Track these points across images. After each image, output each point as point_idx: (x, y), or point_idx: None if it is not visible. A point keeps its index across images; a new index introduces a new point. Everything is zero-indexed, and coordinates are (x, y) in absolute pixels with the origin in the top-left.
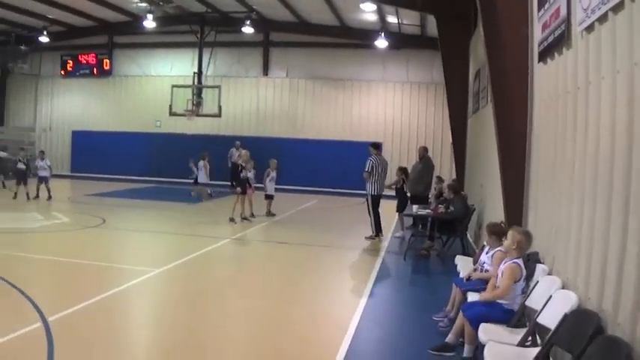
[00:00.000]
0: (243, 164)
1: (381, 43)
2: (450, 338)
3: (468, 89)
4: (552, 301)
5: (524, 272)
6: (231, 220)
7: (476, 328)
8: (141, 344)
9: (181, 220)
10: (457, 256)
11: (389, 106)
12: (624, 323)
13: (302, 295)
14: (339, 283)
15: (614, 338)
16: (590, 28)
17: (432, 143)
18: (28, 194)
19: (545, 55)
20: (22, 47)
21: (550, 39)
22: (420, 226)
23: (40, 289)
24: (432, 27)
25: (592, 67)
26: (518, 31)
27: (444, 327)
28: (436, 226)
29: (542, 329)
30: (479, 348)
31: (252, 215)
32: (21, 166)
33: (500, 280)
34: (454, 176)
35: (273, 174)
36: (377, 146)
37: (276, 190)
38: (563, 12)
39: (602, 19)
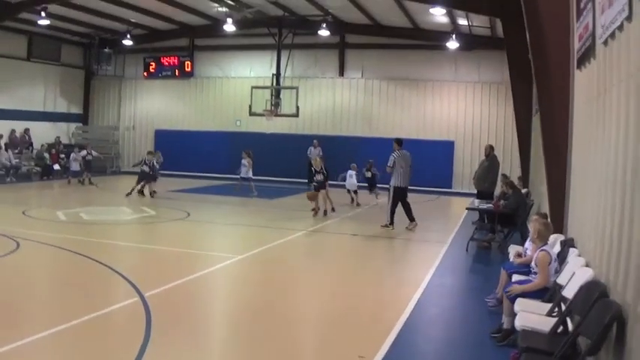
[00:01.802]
0: (317, 169)
1: (453, 44)
2: (506, 322)
3: (532, 90)
4: (574, 277)
5: (554, 255)
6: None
7: (513, 302)
8: (225, 316)
9: (260, 214)
10: (511, 246)
11: (460, 106)
12: (621, 289)
13: (369, 278)
14: (404, 269)
15: (609, 301)
16: (605, 42)
17: (503, 141)
18: (152, 192)
19: (580, 62)
20: (106, 50)
21: (583, 49)
22: (485, 219)
23: (135, 271)
24: (501, 27)
25: (609, 74)
26: (561, 39)
27: (491, 306)
28: (496, 219)
29: (565, 301)
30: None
31: (333, 210)
32: (145, 168)
33: (538, 272)
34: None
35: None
36: (400, 142)
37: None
38: (590, 26)
39: (612, 35)
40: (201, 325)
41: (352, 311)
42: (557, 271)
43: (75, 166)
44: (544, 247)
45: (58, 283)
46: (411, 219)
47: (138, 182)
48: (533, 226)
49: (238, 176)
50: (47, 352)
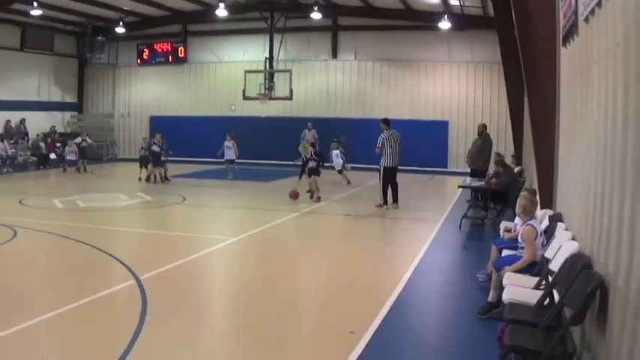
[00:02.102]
0: (307, 156)
1: (445, 24)
2: (491, 295)
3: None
4: (560, 250)
5: (539, 229)
6: (311, 197)
7: (502, 276)
8: (221, 296)
9: (255, 196)
10: (502, 222)
11: (454, 86)
12: (603, 261)
13: (363, 257)
14: (398, 247)
15: (592, 272)
16: (586, 19)
17: (497, 120)
18: (163, 176)
19: (565, 39)
20: (99, 38)
21: (567, 26)
22: (479, 197)
23: (131, 255)
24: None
25: (590, 51)
26: (546, 17)
27: (482, 281)
28: (489, 197)
29: (552, 274)
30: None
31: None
32: (155, 148)
33: (525, 247)
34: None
35: (336, 151)
36: (387, 122)
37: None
38: (573, 4)
39: (592, 12)
40: (197, 306)
41: (346, 289)
42: (544, 245)
43: (71, 155)
44: (529, 222)
45: (54, 268)
46: (395, 200)
47: (154, 166)
48: (518, 201)
49: (222, 160)
50: (45, 335)
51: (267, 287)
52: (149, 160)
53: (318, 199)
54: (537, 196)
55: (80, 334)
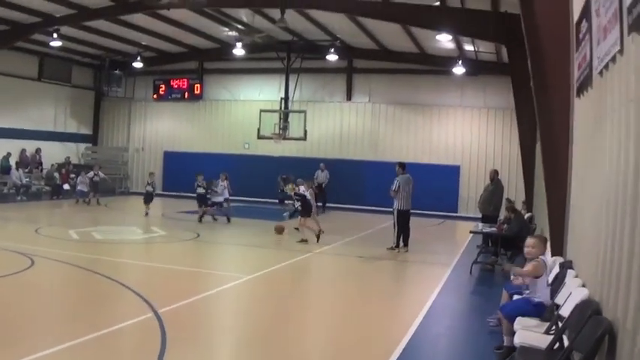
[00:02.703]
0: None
1: (459, 69)
2: (506, 340)
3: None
4: (571, 297)
5: (547, 267)
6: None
7: (512, 322)
8: (235, 332)
9: (268, 235)
10: (513, 267)
11: (466, 131)
12: (612, 306)
13: (375, 299)
14: (408, 291)
15: (601, 317)
16: (601, 73)
17: (508, 166)
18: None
19: (579, 90)
20: (117, 72)
21: (581, 78)
22: (489, 243)
23: (148, 288)
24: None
25: (604, 103)
26: (562, 67)
27: (492, 326)
28: (499, 242)
29: (562, 319)
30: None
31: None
32: (200, 190)
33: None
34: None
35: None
36: (403, 166)
37: (359, 210)
38: (588, 57)
39: (606, 67)
40: (214, 341)
41: (358, 331)
42: (549, 285)
43: (82, 186)
44: (539, 257)
45: (72, 299)
46: (405, 243)
47: (199, 206)
48: (530, 241)
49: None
50: None
51: (280, 327)
52: (204, 200)
53: (318, 236)
54: (548, 243)
55: None
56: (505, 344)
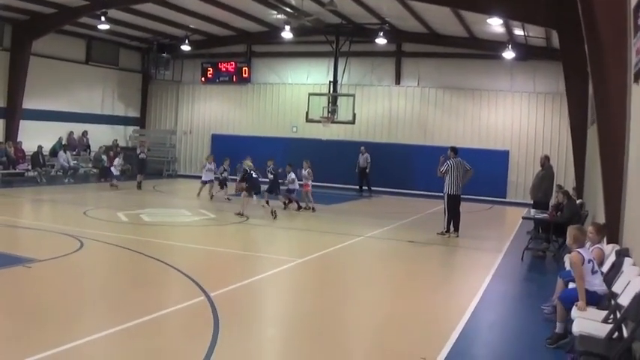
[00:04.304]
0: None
1: (509, 54)
2: (558, 327)
3: (588, 101)
4: (630, 285)
5: (586, 256)
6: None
7: (568, 309)
8: (288, 316)
9: (317, 219)
10: (566, 255)
11: (516, 116)
12: None
13: (427, 284)
14: (460, 277)
15: None
16: None
17: (557, 152)
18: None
19: (637, 76)
20: (164, 55)
21: (639, 64)
22: (540, 229)
23: (199, 271)
24: (557, 39)
25: None
26: (619, 53)
27: (547, 313)
28: (551, 229)
29: (620, 308)
30: (568, 326)
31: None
32: (270, 176)
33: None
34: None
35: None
36: (455, 150)
37: (407, 194)
38: None
39: None
40: (268, 326)
41: (412, 316)
42: (595, 272)
43: (115, 171)
44: (577, 250)
45: (123, 281)
46: (456, 228)
47: (271, 192)
48: (569, 232)
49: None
50: (116, 348)
51: (332, 313)
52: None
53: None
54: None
55: (153, 350)
56: (556, 331)
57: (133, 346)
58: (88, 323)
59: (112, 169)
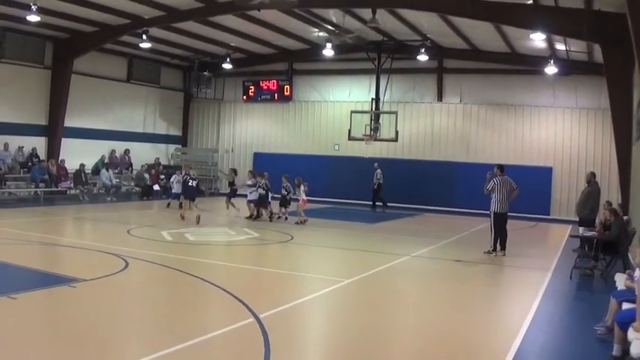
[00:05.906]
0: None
1: (551, 69)
2: (615, 349)
3: (632, 116)
4: None
5: None
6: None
7: (624, 330)
8: (340, 338)
9: (361, 237)
10: (617, 274)
11: (558, 132)
12: None
13: (476, 305)
14: (510, 296)
15: None
16: None
17: (600, 168)
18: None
19: None
20: (206, 73)
21: None
22: (587, 247)
23: (246, 292)
24: (599, 53)
25: None
26: None
27: (600, 334)
28: (599, 247)
29: None
30: (626, 347)
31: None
32: (284, 192)
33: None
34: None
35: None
36: (502, 168)
37: (451, 212)
38: None
39: None
40: (319, 349)
41: (462, 337)
42: None
43: (177, 188)
44: None
45: (169, 302)
46: (502, 247)
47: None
48: (632, 252)
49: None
50: None
51: (384, 333)
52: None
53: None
54: None
55: None
56: (614, 353)
57: None
58: (132, 346)
59: (175, 185)
